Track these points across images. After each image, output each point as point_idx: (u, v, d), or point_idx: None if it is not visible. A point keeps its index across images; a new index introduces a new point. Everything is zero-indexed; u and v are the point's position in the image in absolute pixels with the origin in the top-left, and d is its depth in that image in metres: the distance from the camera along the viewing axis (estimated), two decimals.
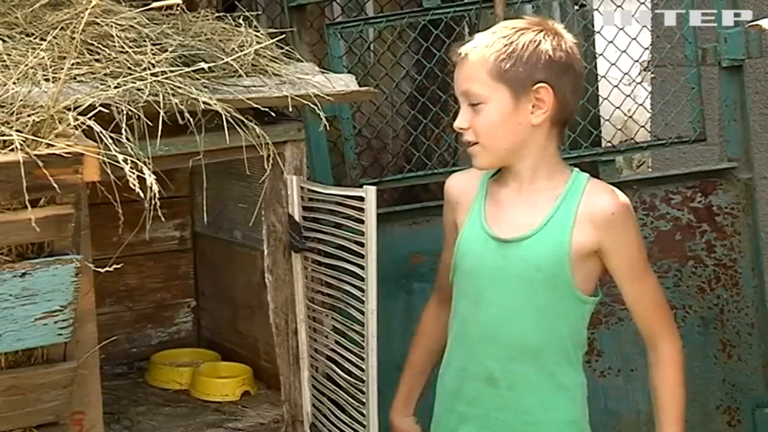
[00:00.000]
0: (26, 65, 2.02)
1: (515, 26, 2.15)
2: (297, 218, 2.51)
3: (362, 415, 2.40)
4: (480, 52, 2.13)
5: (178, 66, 2.22)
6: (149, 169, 1.91)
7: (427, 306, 2.39)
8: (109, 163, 1.90)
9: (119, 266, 1.99)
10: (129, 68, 2.16)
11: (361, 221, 2.33)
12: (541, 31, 2.13)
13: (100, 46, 2.21)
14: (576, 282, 2.15)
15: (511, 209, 2.20)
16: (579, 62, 2.18)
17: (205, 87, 2.22)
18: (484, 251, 2.19)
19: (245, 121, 2.23)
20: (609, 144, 3.20)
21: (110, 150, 1.90)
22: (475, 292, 2.21)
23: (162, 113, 2.10)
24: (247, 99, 2.27)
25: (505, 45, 2.11)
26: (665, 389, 2.21)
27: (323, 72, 2.51)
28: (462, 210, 2.26)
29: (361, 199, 2.33)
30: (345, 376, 2.45)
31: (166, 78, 2.15)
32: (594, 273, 2.18)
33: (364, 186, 2.35)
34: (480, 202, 2.23)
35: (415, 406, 2.39)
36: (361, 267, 2.34)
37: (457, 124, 2.17)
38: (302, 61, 2.52)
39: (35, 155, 1.79)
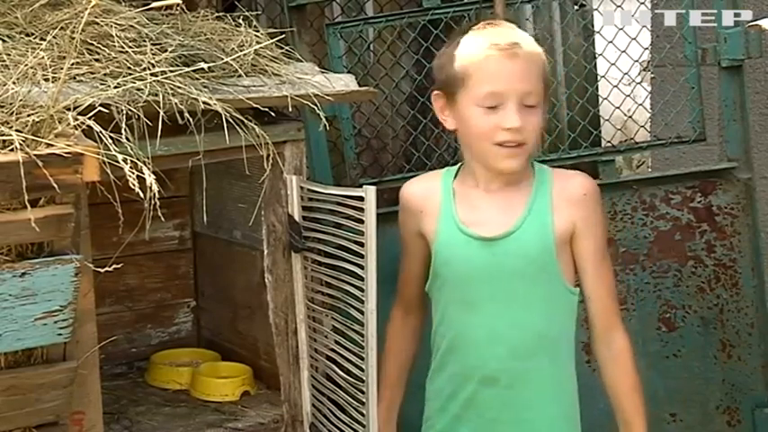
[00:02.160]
0: (26, 65, 2.02)
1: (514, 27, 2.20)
2: (297, 218, 2.51)
3: (362, 415, 2.40)
4: (532, 49, 2.15)
5: (178, 66, 2.21)
6: (149, 169, 1.91)
7: (391, 319, 2.39)
8: (109, 163, 1.90)
9: (118, 266, 1.99)
10: (129, 68, 2.16)
11: (361, 221, 2.33)
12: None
13: (100, 46, 2.21)
14: (564, 272, 2.18)
15: (486, 207, 2.21)
16: None
17: (205, 87, 2.22)
18: (469, 254, 2.20)
19: (245, 120, 2.23)
20: (609, 144, 3.20)
21: (109, 150, 1.90)
22: (467, 296, 2.21)
23: (162, 113, 2.09)
24: (247, 99, 2.27)
25: (540, 49, 2.17)
26: (625, 385, 2.25)
27: (323, 72, 2.51)
28: (429, 217, 2.26)
29: (361, 199, 2.33)
30: (345, 376, 2.45)
31: (166, 78, 2.15)
32: (572, 261, 2.21)
33: (364, 186, 2.35)
34: (449, 206, 2.23)
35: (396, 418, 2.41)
36: (361, 267, 2.34)
37: (513, 124, 2.13)
38: (302, 61, 2.52)
39: (35, 155, 1.79)
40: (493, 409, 2.21)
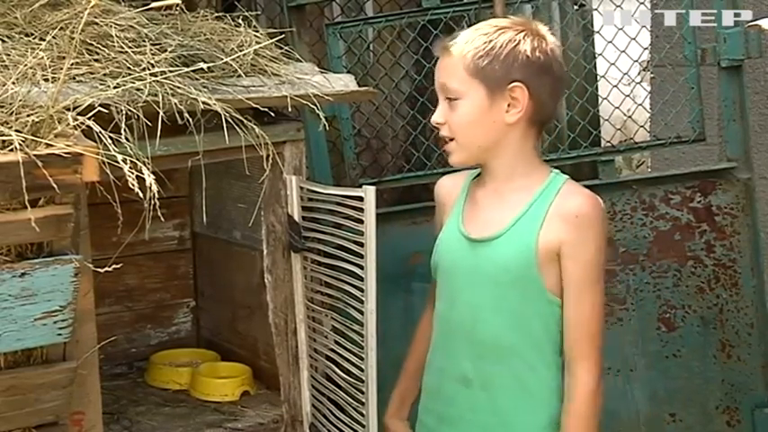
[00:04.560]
0: (25, 65, 2.02)
1: (497, 24, 2.17)
2: (296, 218, 2.51)
3: (362, 415, 2.40)
4: (460, 48, 2.15)
5: (177, 66, 2.21)
6: (148, 169, 1.90)
7: (424, 311, 2.39)
8: (108, 163, 1.90)
9: (118, 266, 1.99)
10: (129, 68, 2.16)
11: (361, 221, 2.33)
12: (522, 31, 2.15)
13: (99, 46, 2.21)
14: (548, 284, 2.13)
15: (486, 209, 2.20)
16: (559, 64, 2.19)
17: (204, 87, 2.22)
18: (458, 251, 2.20)
19: (245, 121, 2.23)
20: (608, 144, 3.20)
21: (109, 150, 1.90)
22: (450, 291, 2.21)
23: (161, 113, 2.09)
24: (247, 99, 2.27)
25: (485, 42, 2.13)
26: (571, 419, 2.14)
27: (322, 72, 2.51)
28: (447, 211, 2.27)
29: (361, 199, 2.33)
30: (345, 376, 2.45)
31: (166, 78, 2.15)
32: None
33: (363, 186, 2.35)
34: (460, 202, 2.24)
35: (410, 410, 2.39)
36: (361, 267, 2.34)
37: (434, 119, 2.19)
38: (302, 61, 2.52)
39: (34, 155, 1.79)
40: (470, 410, 2.20)
